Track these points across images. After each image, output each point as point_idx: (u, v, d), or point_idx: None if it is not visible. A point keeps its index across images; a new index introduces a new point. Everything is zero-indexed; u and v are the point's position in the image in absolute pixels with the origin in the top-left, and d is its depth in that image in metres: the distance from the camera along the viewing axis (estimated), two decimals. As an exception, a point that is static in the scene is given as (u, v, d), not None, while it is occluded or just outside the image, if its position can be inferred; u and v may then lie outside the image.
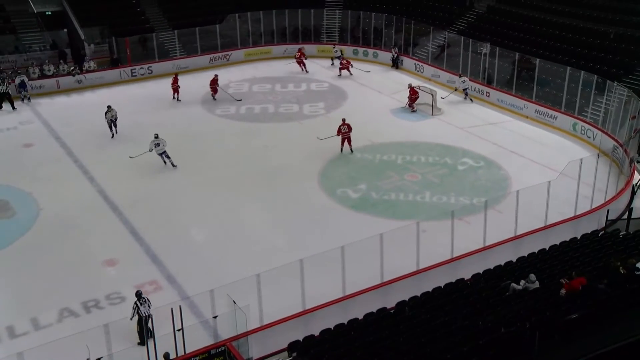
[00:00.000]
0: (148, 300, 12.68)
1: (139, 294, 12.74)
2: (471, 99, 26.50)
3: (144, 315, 12.44)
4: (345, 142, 21.49)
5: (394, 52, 31.30)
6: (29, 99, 26.97)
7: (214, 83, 27.21)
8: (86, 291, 14.52)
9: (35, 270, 15.51)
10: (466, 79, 26.58)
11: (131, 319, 12.56)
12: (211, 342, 12.17)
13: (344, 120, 21.61)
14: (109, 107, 23.02)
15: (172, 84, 27.19)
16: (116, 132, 23.13)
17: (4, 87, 26.27)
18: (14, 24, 31.20)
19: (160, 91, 28.62)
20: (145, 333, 12.45)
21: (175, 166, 20.58)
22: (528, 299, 12.00)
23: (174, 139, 23.16)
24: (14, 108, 26.26)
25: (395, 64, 31.33)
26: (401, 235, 14.33)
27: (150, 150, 20.44)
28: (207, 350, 11.59)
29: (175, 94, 27.25)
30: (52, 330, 13.23)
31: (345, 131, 21.33)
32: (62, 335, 12.12)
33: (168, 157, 20.58)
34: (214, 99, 27.08)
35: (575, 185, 16.75)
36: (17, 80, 26.93)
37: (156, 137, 20.63)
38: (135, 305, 12.58)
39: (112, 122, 23.10)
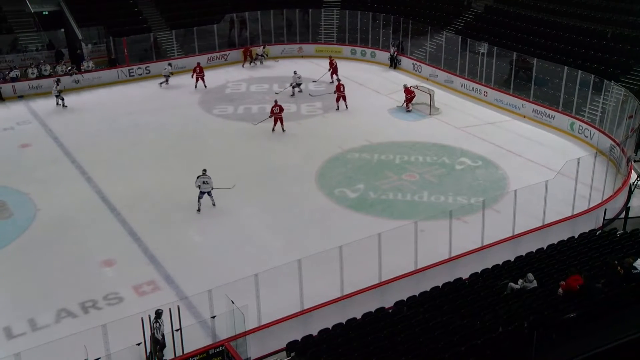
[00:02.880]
0: (159, 327, 11.96)
1: (158, 313, 12.03)
2: (300, 90, 27.29)
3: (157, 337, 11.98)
4: (278, 123, 23.28)
5: (392, 51, 31.33)
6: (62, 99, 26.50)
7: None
8: (84, 292, 14.49)
9: (33, 271, 15.48)
10: (300, 75, 27.45)
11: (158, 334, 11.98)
12: (209, 342, 12.17)
13: (276, 101, 23.49)
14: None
15: (198, 73, 28.11)
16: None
17: None
18: (11, 24, 31.13)
19: (158, 91, 28.66)
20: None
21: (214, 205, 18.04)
22: (526, 298, 12.03)
23: (171, 139, 23.25)
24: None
25: (393, 63, 31.36)
26: (399, 235, 14.33)
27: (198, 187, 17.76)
28: (206, 350, 11.59)
29: (201, 81, 28.21)
30: (49, 331, 13.20)
31: (277, 112, 23.13)
32: (60, 336, 12.09)
33: (210, 196, 17.92)
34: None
35: (572, 185, 16.78)
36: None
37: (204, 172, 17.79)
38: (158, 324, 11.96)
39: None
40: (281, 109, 23.36)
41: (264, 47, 32.49)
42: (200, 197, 17.84)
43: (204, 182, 17.72)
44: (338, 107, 25.58)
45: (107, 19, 31.99)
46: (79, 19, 31.67)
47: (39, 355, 11.31)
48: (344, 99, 25.56)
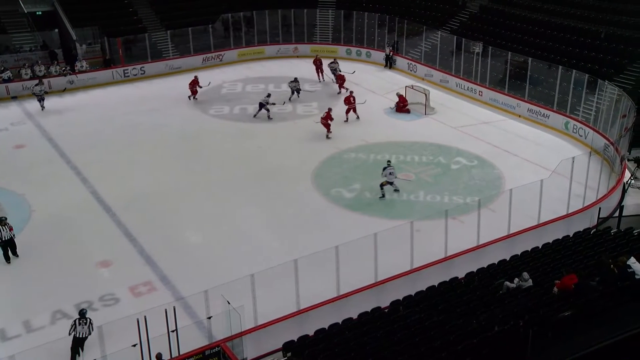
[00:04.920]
0: (91, 323, 12.33)
1: (82, 313, 12.47)
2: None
3: (80, 336, 12.25)
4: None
5: (388, 50, 31.35)
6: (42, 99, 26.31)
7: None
8: (79, 293, 14.45)
9: (28, 272, 15.42)
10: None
11: (69, 334, 12.30)
12: (206, 343, 12.16)
13: (329, 109, 23.13)
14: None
15: (194, 85, 26.85)
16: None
17: None
18: (4, 24, 31.02)
19: (154, 92, 28.59)
20: (73, 353, 12.21)
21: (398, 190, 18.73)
22: (521, 297, 12.06)
23: (167, 139, 23.22)
24: None
25: (389, 63, 31.39)
26: (395, 235, 14.36)
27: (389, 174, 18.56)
28: (202, 351, 11.59)
29: (194, 94, 27.00)
30: (44, 333, 13.15)
31: (324, 117, 23.06)
32: (55, 338, 12.07)
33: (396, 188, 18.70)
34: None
35: (567, 184, 16.85)
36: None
37: (389, 164, 18.72)
38: (73, 323, 12.31)
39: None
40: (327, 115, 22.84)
41: (334, 63, 28.96)
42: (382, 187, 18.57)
43: (390, 173, 18.43)
44: (347, 119, 24.21)
45: (101, 19, 31.89)
46: (73, 19, 31.57)
47: (34, 357, 11.28)
48: (354, 111, 24.47)
